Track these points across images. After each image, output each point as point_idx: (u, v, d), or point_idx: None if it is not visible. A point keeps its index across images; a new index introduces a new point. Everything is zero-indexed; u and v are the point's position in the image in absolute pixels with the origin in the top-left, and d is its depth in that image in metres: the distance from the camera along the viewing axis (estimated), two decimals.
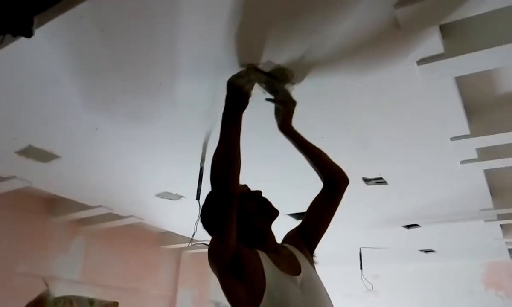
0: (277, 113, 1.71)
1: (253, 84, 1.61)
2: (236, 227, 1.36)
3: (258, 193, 1.53)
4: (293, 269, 1.36)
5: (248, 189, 1.54)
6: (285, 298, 1.30)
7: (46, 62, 1.77)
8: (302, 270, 1.36)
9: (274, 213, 1.49)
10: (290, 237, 1.55)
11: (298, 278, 1.33)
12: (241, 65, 1.71)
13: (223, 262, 1.33)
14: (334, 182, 1.54)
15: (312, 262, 1.48)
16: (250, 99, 1.52)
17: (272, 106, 1.75)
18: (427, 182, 2.94)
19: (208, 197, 1.53)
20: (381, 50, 1.66)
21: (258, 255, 1.37)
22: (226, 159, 1.37)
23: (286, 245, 1.49)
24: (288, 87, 1.74)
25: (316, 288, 1.36)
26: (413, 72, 1.76)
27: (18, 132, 2.38)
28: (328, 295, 1.38)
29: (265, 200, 1.52)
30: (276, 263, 1.36)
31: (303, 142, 1.62)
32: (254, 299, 1.30)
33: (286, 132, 1.65)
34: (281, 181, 3.02)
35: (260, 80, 1.68)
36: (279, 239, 1.53)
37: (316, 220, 1.54)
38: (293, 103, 1.70)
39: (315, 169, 1.58)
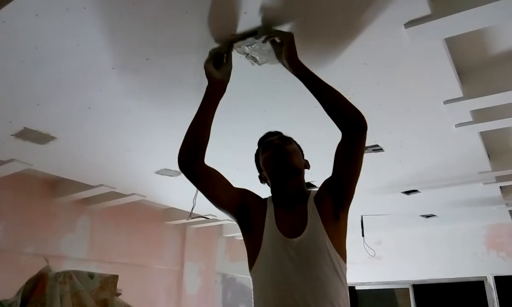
0: (279, 55, 1.54)
1: (228, 68, 1.54)
2: (220, 187, 1.41)
3: (273, 140, 1.48)
4: (296, 229, 1.32)
5: (273, 137, 1.51)
6: (276, 259, 1.30)
7: (32, 41, 1.76)
8: (305, 230, 1.31)
9: (278, 164, 1.42)
10: (319, 189, 1.44)
11: (296, 240, 1.30)
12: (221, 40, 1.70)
13: (233, 219, 1.45)
14: (346, 131, 1.32)
15: (329, 218, 1.36)
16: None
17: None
18: (423, 147, 2.94)
19: None
20: (368, 14, 1.63)
21: (266, 209, 1.40)
22: (187, 136, 1.44)
23: (309, 199, 1.41)
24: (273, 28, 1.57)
25: (313, 251, 1.29)
26: (402, 36, 1.74)
27: (12, 114, 2.39)
28: (328, 258, 1.30)
29: (275, 147, 1.45)
30: (280, 220, 1.35)
31: (314, 81, 1.43)
32: (252, 255, 1.36)
33: (296, 71, 1.47)
34: None
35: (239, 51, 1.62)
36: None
37: (339, 171, 1.37)
38: (288, 36, 1.48)
39: (328, 115, 1.38)
